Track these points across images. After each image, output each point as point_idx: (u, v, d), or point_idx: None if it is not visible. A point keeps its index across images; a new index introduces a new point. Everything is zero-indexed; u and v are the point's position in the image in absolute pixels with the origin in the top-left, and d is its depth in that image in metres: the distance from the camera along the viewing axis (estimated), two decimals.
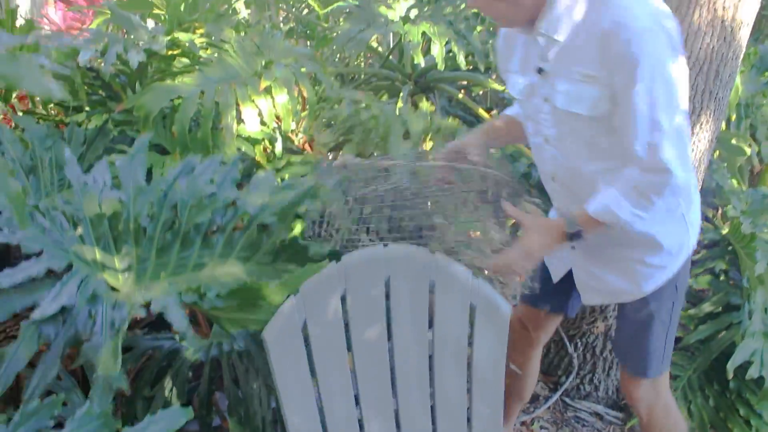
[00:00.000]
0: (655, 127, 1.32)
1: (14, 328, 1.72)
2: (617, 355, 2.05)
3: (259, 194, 1.54)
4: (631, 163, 1.38)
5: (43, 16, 3.50)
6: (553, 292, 1.78)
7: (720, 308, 2.34)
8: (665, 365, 1.70)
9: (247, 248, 1.52)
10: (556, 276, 1.75)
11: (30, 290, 1.27)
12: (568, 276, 1.71)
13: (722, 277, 2.39)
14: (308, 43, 3.31)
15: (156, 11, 3.06)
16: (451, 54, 2.60)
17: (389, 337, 1.39)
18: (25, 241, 1.25)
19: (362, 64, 3.44)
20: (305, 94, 2.31)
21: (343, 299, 1.34)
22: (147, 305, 1.28)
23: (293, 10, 3.49)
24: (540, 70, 1.47)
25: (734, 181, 2.63)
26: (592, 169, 1.48)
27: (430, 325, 1.45)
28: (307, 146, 2.54)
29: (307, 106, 2.30)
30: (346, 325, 1.35)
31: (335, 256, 1.38)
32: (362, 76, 3.16)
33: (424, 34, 2.55)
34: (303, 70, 2.30)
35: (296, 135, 2.51)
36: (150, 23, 3.32)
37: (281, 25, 3.25)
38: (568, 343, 2.46)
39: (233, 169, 1.57)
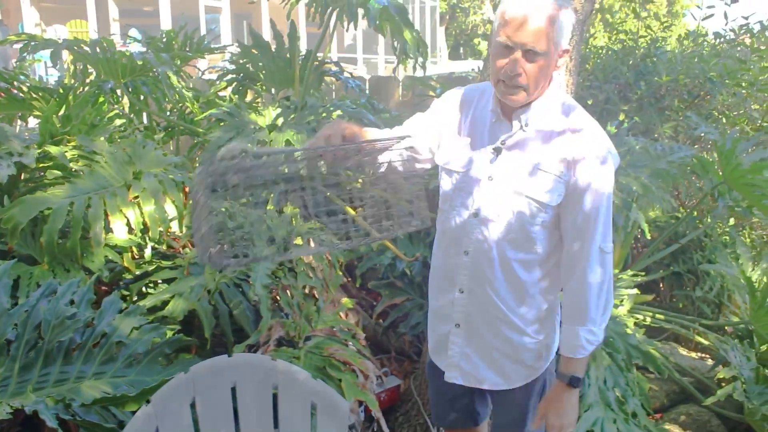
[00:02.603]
0: (607, 237, 1.56)
1: None
2: None
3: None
4: (574, 260, 1.56)
5: None
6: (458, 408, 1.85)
7: None
8: None
9: (105, 363, 1.65)
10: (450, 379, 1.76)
11: None
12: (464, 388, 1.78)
13: None
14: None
15: (36, 113, 3.17)
16: None
17: None
18: None
19: None
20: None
21: (193, 406, 1.51)
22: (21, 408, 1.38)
23: (173, 110, 3.67)
24: (499, 150, 1.58)
25: None
26: (512, 256, 1.59)
27: (276, 425, 1.63)
28: (190, 245, 2.67)
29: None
30: (197, 431, 1.51)
31: None
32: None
33: (287, 141, 2.79)
34: (171, 177, 2.48)
35: (180, 237, 2.63)
36: (32, 122, 3.40)
37: (156, 125, 3.42)
38: None
39: (89, 291, 1.72)
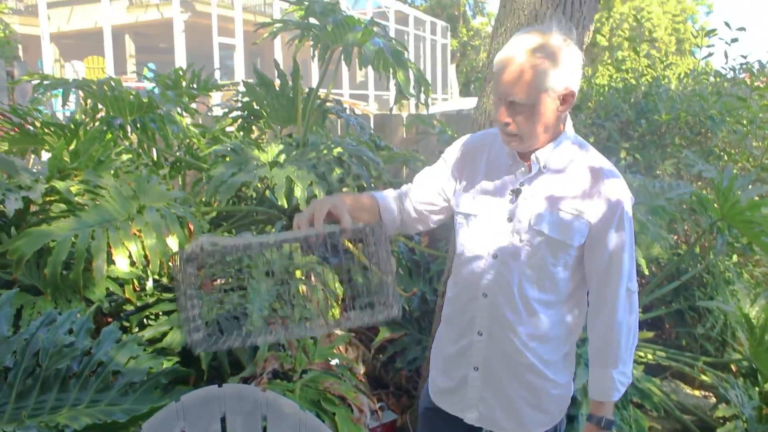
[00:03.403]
0: (632, 276, 1.56)
1: None
2: None
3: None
4: (602, 301, 1.57)
5: None
6: None
7: None
8: None
9: (100, 391, 1.69)
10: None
11: None
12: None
13: None
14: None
15: (47, 147, 3.27)
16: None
17: None
18: None
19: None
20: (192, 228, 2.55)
21: None
22: None
23: (180, 146, 3.77)
24: (518, 192, 1.58)
25: None
26: (534, 296, 1.57)
27: None
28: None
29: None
30: None
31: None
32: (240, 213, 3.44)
33: (288, 177, 2.86)
34: (173, 212, 2.54)
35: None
36: (45, 155, 3.50)
37: (164, 161, 3.50)
38: None
39: (88, 321, 1.77)
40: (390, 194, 1.77)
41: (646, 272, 3.22)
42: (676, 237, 4.13)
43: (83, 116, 3.30)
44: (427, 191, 1.74)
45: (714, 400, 3.42)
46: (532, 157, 1.56)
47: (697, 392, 3.59)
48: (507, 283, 1.58)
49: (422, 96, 3.23)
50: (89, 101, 3.22)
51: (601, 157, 1.60)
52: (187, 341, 1.42)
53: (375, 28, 3.02)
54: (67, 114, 4.53)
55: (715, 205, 3.28)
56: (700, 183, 4.43)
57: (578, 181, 1.55)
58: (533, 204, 1.56)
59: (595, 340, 1.63)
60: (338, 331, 2.57)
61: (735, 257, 4.02)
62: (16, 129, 3.24)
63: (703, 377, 3.33)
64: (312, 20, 3.18)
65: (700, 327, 3.59)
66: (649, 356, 3.20)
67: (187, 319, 1.42)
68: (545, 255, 1.55)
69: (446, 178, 1.72)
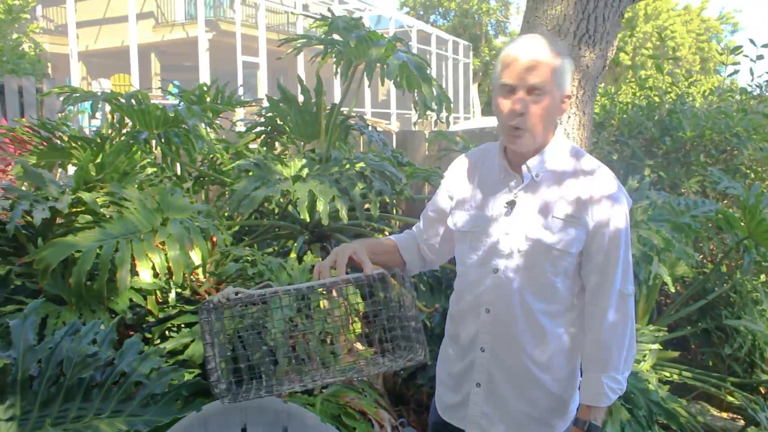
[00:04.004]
0: (627, 279, 1.56)
1: None
2: None
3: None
4: (595, 301, 1.55)
5: None
6: None
7: None
8: None
9: (122, 402, 1.70)
10: None
11: None
12: None
13: None
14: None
15: (74, 161, 3.33)
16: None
17: None
18: None
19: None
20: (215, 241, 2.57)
21: None
22: None
23: (204, 160, 3.81)
24: (513, 204, 1.58)
25: None
26: (536, 308, 1.57)
27: None
28: (214, 291, 2.74)
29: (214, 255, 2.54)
30: None
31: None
32: (262, 228, 3.46)
33: (310, 191, 2.87)
34: (197, 224, 2.56)
35: (203, 283, 2.71)
36: (71, 169, 3.56)
37: (187, 175, 3.54)
38: None
39: (111, 332, 1.78)
40: (408, 234, 1.80)
41: (672, 290, 3.17)
42: (701, 256, 4.07)
43: (110, 131, 3.35)
44: (434, 223, 1.76)
45: (742, 422, 3.34)
46: (523, 167, 1.58)
47: (724, 414, 3.51)
48: (509, 297, 1.58)
49: (443, 114, 3.23)
50: (115, 115, 3.27)
51: (594, 161, 1.61)
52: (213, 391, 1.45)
53: (398, 44, 3.04)
54: (94, 130, 4.61)
55: (742, 223, 3.23)
56: (726, 201, 4.37)
57: (573, 187, 1.55)
58: (529, 214, 1.56)
59: (587, 343, 1.61)
60: (362, 347, 2.56)
61: (762, 276, 3.95)
62: (45, 143, 3.30)
63: (731, 399, 3.25)
64: (335, 36, 3.21)
65: (727, 347, 3.52)
66: (675, 376, 3.14)
67: (213, 369, 1.44)
68: (545, 264, 1.55)
69: (446, 203, 1.74)
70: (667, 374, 3.15)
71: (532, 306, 1.57)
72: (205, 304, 1.44)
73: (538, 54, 1.49)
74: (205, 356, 1.45)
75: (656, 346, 2.85)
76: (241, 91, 4.03)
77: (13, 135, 3.41)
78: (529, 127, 1.51)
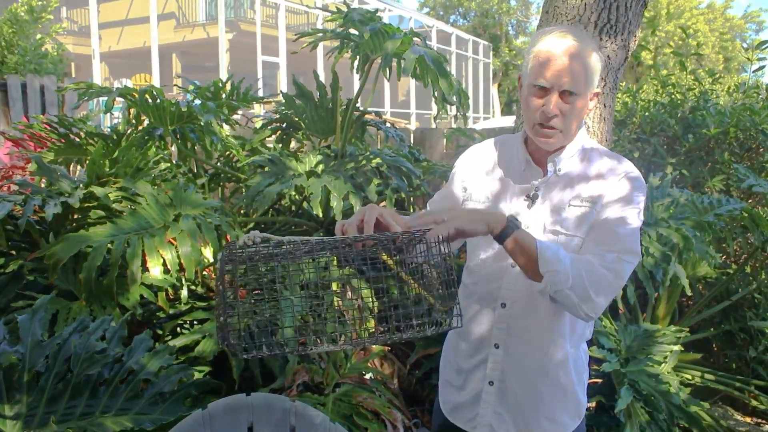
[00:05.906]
0: (627, 250, 1.43)
1: None
2: None
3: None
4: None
5: None
6: None
7: None
8: None
9: (130, 399, 1.67)
10: None
11: None
12: None
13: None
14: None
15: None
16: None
17: None
18: None
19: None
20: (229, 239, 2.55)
21: None
22: None
23: (220, 157, 3.80)
24: (534, 197, 1.55)
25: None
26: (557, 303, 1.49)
27: None
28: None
29: None
30: None
31: None
32: (277, 224, 3.43)
33: (324, 186, 2.83)
34: (209, 221, 2.53)
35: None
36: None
37: (203, 172, 3.53)
38: None
39: (120, 328, 1.76)
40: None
41: (689, 292, 3.08)
42: (724, 257, 3.97)
43: (126, 127, 3.34)
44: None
45: (767, 427, 3.24)
46: (549, 162, 1.55)
47: (748, 419, 3.41)
48: (527, 290, 1.53)
49: (461, 112, 3.18)
50: (132, 111, 3.26)
51: (617, 156, 1.58)
52: (221, 344, 1.34)
53: (415, 38, 2.99)
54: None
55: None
56: (750, 201, 4.26)
57: (593, 182, 1.53)
58: (549, 208, 1.53)
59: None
60: (375, 346, 2.52)
61: None
62: (62, 140, 3.31)
63: (755, 403, 3.16)
64: (352, 31, 3.17)
65: (752, 350, 3.42)
66: (697, 379, 3.06)
67: (224, 318, 1.29)
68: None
69: (460, 192, 1.67)
70: (689, 376, 3.07)
71: (551, 301, 1.51)
72: (229, 245, 1.34)
73: (573, 55, 1.44)
74: (216, 305, 1.34)
75: (678, 348, 2.77)
76: (259, 86, 4.00)
77: (32, 132, 3.42)
78: (562, 128, 1.48)
